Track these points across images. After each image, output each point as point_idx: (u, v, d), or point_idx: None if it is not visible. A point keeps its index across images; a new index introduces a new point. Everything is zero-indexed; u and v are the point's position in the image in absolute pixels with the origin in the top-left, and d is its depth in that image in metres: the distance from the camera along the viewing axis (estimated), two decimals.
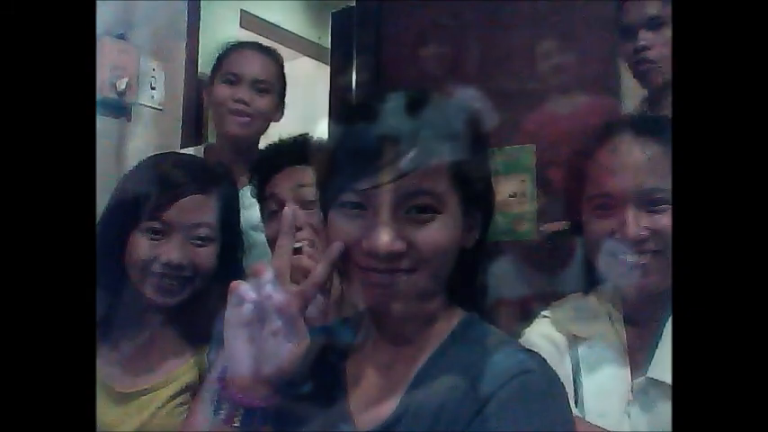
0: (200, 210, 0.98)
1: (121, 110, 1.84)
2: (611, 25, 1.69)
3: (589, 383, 0.89)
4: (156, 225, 0.95)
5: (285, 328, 0.62)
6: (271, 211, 1.15)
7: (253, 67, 1.56)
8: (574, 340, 0.93)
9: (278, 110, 1.61)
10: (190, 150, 1.66)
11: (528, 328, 0.97)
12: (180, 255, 0.95)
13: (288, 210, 0.68)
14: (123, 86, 1.77)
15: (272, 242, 1.17)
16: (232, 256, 1.04)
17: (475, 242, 0.69)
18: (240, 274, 1.05)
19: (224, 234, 1.01)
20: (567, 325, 0.94)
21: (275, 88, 1.59)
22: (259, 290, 0.61)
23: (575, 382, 0.92)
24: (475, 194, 0.67)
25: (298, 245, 1.09)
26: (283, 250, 0.66)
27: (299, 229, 1.12)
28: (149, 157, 1.06)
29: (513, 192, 1.79)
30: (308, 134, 1.20)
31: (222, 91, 1.55)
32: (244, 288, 0.62)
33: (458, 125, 0.66)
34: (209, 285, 1.00)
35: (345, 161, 0.64)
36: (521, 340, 0.94)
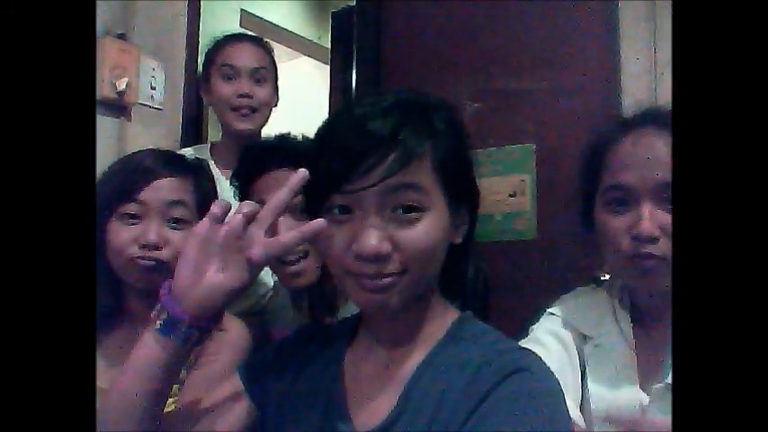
0: (175, 190, 0.98)
1: (121, 110, 1.83)
2: (611, 25, 1.69)
3: (594, 384, 0.88)
4: (132, 208, 0.96)
5: (226, 260, 0.64)
6: None
7: (248, 57, 1.60)
8: (581, 337, 0.92)
9: (275, 96, 1.66)
10: (191, 149, 1.66)
11: (535, 325, 0.96)
12: (156, 235, 0.95)
13: (302, 172, 0.66)
14: (123, 86, 1.77)
15: None
16: None
17: (463, 239, 0.70)
18: None
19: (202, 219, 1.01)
20: (573, 322, 0.93)
21: (271, 75, 1.63)
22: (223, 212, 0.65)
23: (582, 380, 0.91)
24: (460, 190, 0.68)
25: (293, 257, 1.10)
26: (277, 202, 0.66)
27: None
28: (125, 155, 1.06)
29: (513, 191, 1.79)
30: (289, 134, 1.20)
31: (223, 88, 1.58)
32: (222, 206, 0.66)
33: (437, 122, 0.67)
34: None
35: (330, 166, 0.64)
36: (528, 337, 0.93)
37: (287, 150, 1.15)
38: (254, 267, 0.65)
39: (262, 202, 1.12)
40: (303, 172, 0.65)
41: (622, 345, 0.88)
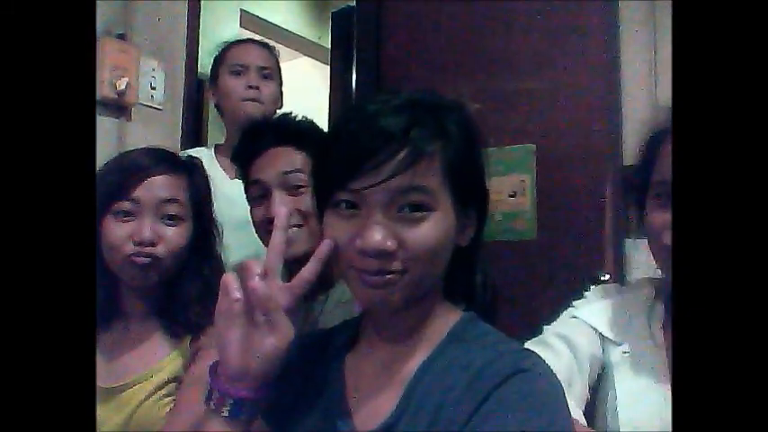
0: (169, 187, 0.99)
1: (121, 110, 1.83)
2: (610, 25, 1.70)
3: (623, 392, 0.85)
4: (126, 205, 0.96)
5: (268, 322, 0.63)
6: (255, 196, 1.14)
7: (256, 56, 1.68)
8: (605, 342, 0.89)
9: (280, 97, 1.72)
10: (193, 151, 1.67)
11: (549, 326, 0.93)
12: (150, 232, 0.95)
13: (283, 210, 0.69)
14: (123, 86, 1.77)
15: (257, 226, 1.17)
16: (205, 245, 1.04)
17: (471, 240, 0.70)
18: (215, 263, 1.05)
19: (196, 218, 1.01)
20: (598, 326, 0.89)
21: (276, 76, 1.71)
22: (246, 283, 0.63)
23: (599, 387, 0.88)
24: (468, 192, 0.67)
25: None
26: (276, 247, 0.67)
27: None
28: (119, 154, 1.07)
29: (513, 191, 1.79)
30: (290, 113, 1.20)
31: (232, 82, 1.65)
32: (231, 280, 0.64)
33: (449, 123, 0.66)
34: (185, 273, 1.00)
35: (339, 161, 0.64)
36: (538, 338, 0.91)
37: (286, 128, 1.15)
38: (291, 315, 0.65)
39: (260, 183, 1.14)
40: (284, 210, 0.68)
41: (654, 354, 0.85)
